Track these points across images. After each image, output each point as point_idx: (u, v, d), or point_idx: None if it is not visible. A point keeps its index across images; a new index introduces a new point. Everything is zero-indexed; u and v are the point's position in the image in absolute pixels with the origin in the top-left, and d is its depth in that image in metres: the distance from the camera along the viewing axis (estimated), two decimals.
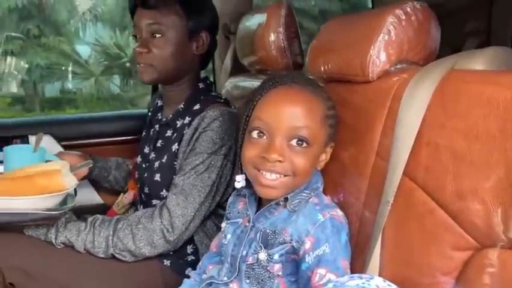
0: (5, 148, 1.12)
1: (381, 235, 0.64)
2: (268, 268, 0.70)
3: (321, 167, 0.75)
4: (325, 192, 0.77)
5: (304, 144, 0.69)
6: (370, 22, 0.73)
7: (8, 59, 7.63)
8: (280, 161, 0.68)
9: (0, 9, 7.48)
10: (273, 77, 0.73)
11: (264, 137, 0.70)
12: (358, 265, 0.68)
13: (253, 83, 1.26)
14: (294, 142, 0.69)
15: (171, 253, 1.05)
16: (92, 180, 1.35)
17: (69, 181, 1.01)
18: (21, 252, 0.96)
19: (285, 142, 0.69)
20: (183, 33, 1.06)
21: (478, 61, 0.60)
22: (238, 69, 1.46)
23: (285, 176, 0.69)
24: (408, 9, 0.70)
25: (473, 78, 0.57)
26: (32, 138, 1.27)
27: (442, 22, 0.74)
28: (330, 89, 0.83)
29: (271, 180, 0.69)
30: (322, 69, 0.83)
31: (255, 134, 0.71)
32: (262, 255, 0.71)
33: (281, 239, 0.70)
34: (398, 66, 0.73)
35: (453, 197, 0.56)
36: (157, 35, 1.04)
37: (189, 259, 1.07)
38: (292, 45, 1.14)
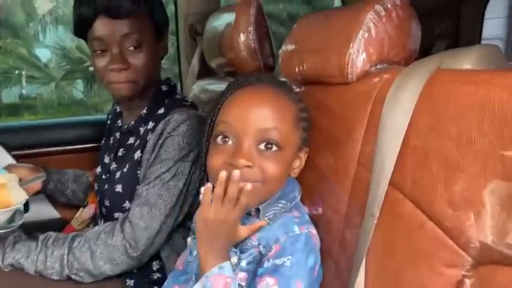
0: None
1: (364, 258, 0.58)
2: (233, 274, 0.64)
3: (295, 174, 0.69)
4: (302, 203, 0.71)
5: (274, 148, 0.63)
6: (348, 19, 0.68)
7: None
8: (248, 166, 0.62)
9: None
10: (238, 78, 0.67)
11: (230, 142, 0.64)
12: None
13: (222, 86, 1.18)
14: (262, 146, 0.63)
15: (135, 271, 0.96)
16: (48, 195, 1.24)
17: (17, 196, 0.91)
18: None
19: (254, 146, 0.63)
20: (152, 36, 0.97)
21: (466, 60, 0.55)
22: (206, 72, 1.39)
23: (255, 182, 0.63)
24: (389, 5, 0.66)
25: (464, 78, 0.52)
26: None
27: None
28: (305, 91, 0.78)
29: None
30: (297, 70, 0.77)
31: (219, 139, 0.64)
32: (234, 259, 0.65)
33: (249, 243, 0.64)
34: (378, 67, 0.68)
35: (444, 208, 0.51)
36: (132, 48, 0.93)
37: (155, 277, 0.99)
38: (263, 46, 1.08)
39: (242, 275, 0.64)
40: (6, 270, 0.88)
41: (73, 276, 0.90)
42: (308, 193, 0.72)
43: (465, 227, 0.49)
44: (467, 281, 0.50)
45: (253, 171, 0.62)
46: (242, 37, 1.07)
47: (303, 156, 0.70)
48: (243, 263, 0.64)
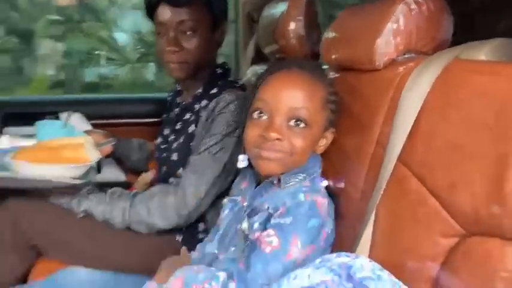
0: (38, 122, 1.20)
1: (373, 221, 0.65)
2: (249, 237, 0.74)
3: (320, 151, 0.78)
4: (326, 177, 0.79)
5: (302, 125, 0.72)
6: (380, 11, 0.74)
7: (49, 43, 7.93)
8: (279, 139, 0.71)
9: None
10: (277, 62, 0.76)
11: (265, 117, 0.73)
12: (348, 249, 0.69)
13: None
14: (292, 122, 0.72)
15: (183, 229, 1.10)
16: (116, 159, 1.42)
17: (92, 155, 1.08)
18: (45, 218, 1.03)
19: (284, 122, 0.72)
20: (209, 25, 1.09)
21: (482, 51, 0.60)
22: (259, 57, 1.49)
23: (283, 153, 0.72)
24: None
25: (475, 68, 0.57)
26: (63, 115, 1.35)
27: (476, 19, 0.73)
28: (340, 77, 0.85)
29: (270, 156, 0.72)
30: (334, 57, 0.85)
31: (256, 114, 0.74)
32: (245, 225, 0.75)
33: (260, 207, 0.74)
34: (406, 56, 0.73)
35: (444, 185, 0.57)
36: (188, 33, 1.07)
37: (200, 236, 1.11)
38: (311, 34, 1.15)
39: (258, 233, 0.73)
40: (81, 215, 1.05)
41: (132, 226, 1.05)
42: (333, 169, 0.80)
43: (461, 202, 0.55)
44: (458, 249, 0.56)
45: (283, 143, 0.72)
46: (292, 25, 1.15)
47: (329, 135, 0.78)
48: (256, 225, 0.73)
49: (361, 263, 0.56)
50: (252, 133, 0.74)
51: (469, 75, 0.57)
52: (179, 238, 1.11)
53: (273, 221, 0.71)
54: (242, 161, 0.80)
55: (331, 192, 0.78)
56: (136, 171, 1.42)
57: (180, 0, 1.05)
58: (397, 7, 0.70)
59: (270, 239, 0.68)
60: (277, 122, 0.71)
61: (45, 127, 1.20)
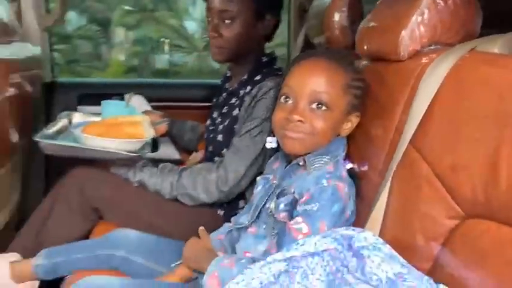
0: (103, 102, 1.36)
1: (385, 201, 0.70)
2: (275, 216, 0.81)
3: (345, 133, 0.83)
4: (351, 159, 0.85)
5: (324, 108, 0.78)
6: (407, 3, 0.77)
7: (124, 31, 8.47)
8: (301, 121, 0.78)
9: None
10: (305, 52, 0.82)
11: (290, 101, 0.80)
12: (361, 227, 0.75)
13: None
14: (314, 105, 0.78)
15: (225, 205, 1.20)
16: (171, 138, 1.56)
17: (148, 132, 1.22)
18: (105, 185, 1.19)
19: (307, 106, 0.78)
20: (250, 17, 1.17)
21: (496, 44, 0.62)
22: (308, 47, 1.54)
23: (305, 134, 0.78)
24: None
25: (482, 60, 0.60)
26: (126, 97, 1.51)
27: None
28: (370, 67, 0.89)
29: (294, 136, 0.79)
30: (365, 48, 0.89)
31: (282, 99, 0.81)
32: (272, 205, 0.82)
33: (287, 191, 0.81)
34: (432, 47, 0.76)
35: (448, 169, 0.61)
36: (227, 21, 1.16)
37: (239, 212, 1.21)
38: (355, 25, 1.18)
39: (283, 214, 0.80)
40: (135, 185, 1.19)
41: (179, 197, 1.17)
42: (358, 152, 0.85)
43: (461, 187, 0.59)
44: (457, 230, 0.59)
45: (305, 125, 0.78)
46: (336, 16, 1.19)
47: (354, 119, 0.83)
48: (281, 206, 0.80)
49: (365, 236, 0.61)
50: (278, 116, 0.81)
51: (476, 66, 0.60)
52: (220, 212, 1.21)
53: (299, 208, 0.77)
54: (270, 142, 0.87)
55: (353, 174, 0.84)
56: (189, 151, 1.55)
57: None
58: (423, 1, 0.73)
59: (300, 226, 0.75)
60: (300, 105, 0.78)
61: (110, 106, 1.36)
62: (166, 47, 8.86)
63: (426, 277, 0.53)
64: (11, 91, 1.13)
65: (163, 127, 1.40)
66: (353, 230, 0.63)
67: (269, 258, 0.62)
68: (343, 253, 0.60)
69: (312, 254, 0.61)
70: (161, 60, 9.58)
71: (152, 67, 9.33)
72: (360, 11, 1.21)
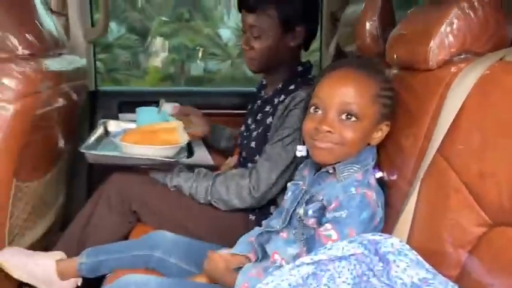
0: (137, 109, 1.43)
1: (413, 209, 0.71)
2: (304, 222, 0.83)
3: (375, 142, 0.84)
4: (381, 168, 0.86)
5: (353, 119, 0.79)
6: (437, 13, 0.78)
7: (161, 40, 8.75)
8: (330, 132, 0.80)
9: None
10: (332, 63, 0.84)
11: (319, 112, 0.82)
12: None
13: None
14: (343, 116, 0.80)
15: (257, 210, 1.23)
16: (208, 142, 1.60)
17: (183, 138, 1.27)
18: (144, 189, 1.25)
19: (336, 116, 0.80)
20: (277, 30, 1.21)
21: None
22: (340, 55, 1.55)
23: (335, 144, 0.81)
24: (475, 3, 0.74)
25: (509, 70, 0.60)
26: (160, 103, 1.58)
27: None
28: (399, 75, 0.91)
29: (323, 146, 0.81)
30: (395, 56, 0.90)
31: (312, 109, 0.83)
32: (301, 211, 0.84)
33: (315, 198, 0.83)
34: (462, 57, 0.77)
35: (476, 178, 0.61)
36: (256, 35, 1.22)
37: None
38: (386, 34, 1.19)
39: (312, 220, 0.82)
40: (172, 189, 1.24)
41: (213, 202, 1.21)
42: (389, 161, 0.87)
43: (489, 194, 0.59)
44: (484, 237, 0.60)
45: (334, 136, 0.80)
46: (368, 25, 1.20)
47: (384, 128, 0.84)
48: (310, 212, 0.82)
49: (392, 242, 0.63)
50: (308, 126, 0.84)
51: (503, 76, 0.61)
52: (252, 217, 1.25)
53: (328, 215, 0.79)
54: (300, 151, 0.90)
55: (383, 183, 0.85)
56: (224, 155, 1.60)
57: (248, 7, 1.22)
58: (452, 11, 0.74)
59: (329, 233, 0.77)
60: (329, 116, 0.80)
61: (143, 113, 1.42)
62: (202, 55, 9.08)
63: (451, 283, 0.55)
64: (60, 101, 1.22)
65: (198, 132, 1.45)
66: (380, 235, 0.65)
67: (297, 262, 0.64)
68: (369, 257, 0.62)
69: (340, 258, 0.64)
70: (196, 68, 9.83)
71: (187, 74, 9.58)
72: (391, 19, 1.22)
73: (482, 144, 0.61)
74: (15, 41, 1.08)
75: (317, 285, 0.61)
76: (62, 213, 1.50)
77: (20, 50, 1.09)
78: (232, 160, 1.51)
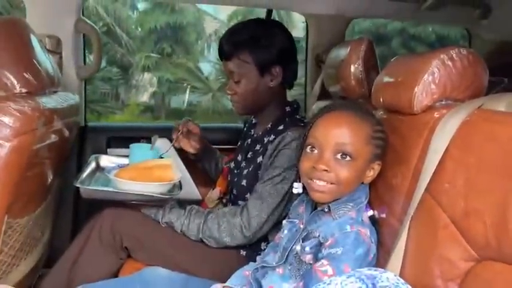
0: (131, 145, 1.46)
1: (404, 245, 0.76)
2: (301, 258, 0.87)
3: (367, 181, 0.89)
4: (372, 206, 0.91)
5: (348, 158, 0.85)
6: (420, 63, 0.85)
7: (144, 74, 8.84)
8: (326, 171, 0.84)
9: (143, 31, 8.74)
10: (327, 105, 0.90)
11: (315, 151, 0.87)
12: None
13: None
14: (339, 156, 0.85)
15: (247, 246, 1.26)
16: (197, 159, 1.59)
17: (177, 175, 1.30)
18: (136, 225, 1.26)
19: (332, 156, 0.85)
20: (254, 73, 1.29)
21: (501, 103, 0.70)
22: (324, 95, 1.63)
23: (331, 183, 0.85)
24: (453, 55, 0.82)
25: (488, 117, 0.67)
26: (152, 140, 1.60)
27: None
28: (386, 118, 0.97)
29: (320, 186, 0.86)
30: (381, 100, 0.97)
31: (308, 149, 0.88)
32: (298, 247, 0.88)
33: (312, 235, 0.87)
34: (443, 102, 0.84)
35: (462, 215, 0.67)
36: (236, 79, 1.30)
37: (261, 254, 1.26)
38: (369, 77, 1.28)
39: (308, 256, 0.86)
40: (163, 225, 1.26)
41: (204, 240, 1.23)
42: (379, 199, 0.92)
43: (474, 230, 0.65)
44: (473, 271, 0.65)
45: (330, 174, 0.85)
46: (352, 68, 1.29)
47: (376, 167, 0.90)
48: (307, 248, 0.86)
49: (387, 276, 0.67)
50: (305, 165, 0.89)
51: (483, 122, 0.68)
52: (243, 253, 1.27)
53: (324, 251, 0.83)
54: (296, 188, 0.94)
55: (374, 221, 0.90)
56: (205, 185, 1.60)
57: (224, 55, 1.31)
58: (433, 62, 0.82)
59: (325, 269, 0.80)
60: (325, 156, 0.85)
61: (136, 149, 1.45)
62: (182, 88, 9.21)
63: None
64: (53, 137, 1.23)
65: (195, 144, 1.48)
66: (375, 270, 0.69)
67: None
68: None
69: None
70: (177, 100, 9.92)
71: (168, 107, 9.65)
72: (374, 62, 1.31)
73: (467, 184, 0.67)
74: (13, 79, 1.11)
75: None
76: (48, 248, 1.48)
77: (18, 88, 1.11)
78: (215, 193, 1.53)
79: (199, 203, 1.42)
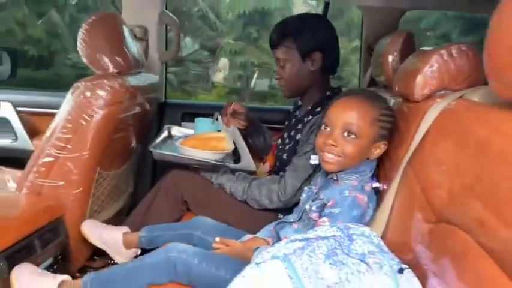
0: (196, 119, 1.73)
1: (389, 209, 0.92)
2: (309, 215, 1.05)
3: (373, 157, 1.05)
4: (378, 179, 1.06)
5: (353, 136, 1.01)
6: (425, 57, 0.98)
7: (224, 59, 9.28)
8: (334, 145, 1.02)
9: (233, 16, 9.14)
10: (346, 90, 1.07)
11: (328, 129, 1.05)
12: None
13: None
14: (345, 134, 1.02)
15: (284, 209, 1.47)
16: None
17: (230, 146, 1.55)
18: (195, 184, 1.54)
19: (340, 133, 1.02)
20: (297, 58, 1.46)
21: (476, 94, 0.81)
22: (373, 82, 1.75)
23: (338, 156, 1.02)
24: (453, 51, 0.93)
25: (465, 107, 0.79)
26: (215, 116, 1.86)
27: None
28: (401, 105, 1.11)
29: (329, 158, 1.03)
30: (396, 88, 1.10)
31: (323, 127, 1.06)
32: (307, 207, 1.07)
33: (319, 197, 1.05)
34: (442, 92, 0.96)
35: (430, 185, 0.80)
36: (281, 65, 1.48)
37: None
38: None
39: (314, 214, 1.05)
40: (216, 186, 1.52)
41: (247, 201, 1.47)
42: (384, 173, 1.07)
43: (435, 199, 0.79)
44: (431, 233, 0.79)
45: (337, 149, 1.02)
46: (390, 59, 1.41)
47: (382, 146, 1.04)
48: (314, 208, 1.05)
49: (363, 230, 0.84)
50: (319, 140, 1.07)
51: (459, 110, 0.80)
52: (280, 216, 1.48)
53: (326, 210, 1.02)
54: (313, 160, 1.13)
55: (378, 191, 1.05)
56: (259, 158, 1.82)
57: (274, 44, 1.49)
58: (433, 56, 0.94)
59: (324, 224, 0.98)
60: (335, 133, 1.03)
61: (200, 122, 1.72)
62: (267, 72, 9.51)
63: (394, 258, 0.75)
64: (137, 109, 1.55)
65: (243, 120, 1.67)
66: (356, 224, 0.86)
67: (292, 237, 0.88)
68: (342, 238, 0.84)
69: (322, 238, 0.86)
70: (261, 84, 10.26)
71: (252, 89, 10.04)
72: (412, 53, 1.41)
73: (434, 160, 0.81)
74: (108, 62, 1.43)
75: (301, 254, 0.84)
76: (129, 199, 1.84)
77: (111, 69, 1.44)
78: (265, 167, 1.75)
79: (253, 174, 1.65)
